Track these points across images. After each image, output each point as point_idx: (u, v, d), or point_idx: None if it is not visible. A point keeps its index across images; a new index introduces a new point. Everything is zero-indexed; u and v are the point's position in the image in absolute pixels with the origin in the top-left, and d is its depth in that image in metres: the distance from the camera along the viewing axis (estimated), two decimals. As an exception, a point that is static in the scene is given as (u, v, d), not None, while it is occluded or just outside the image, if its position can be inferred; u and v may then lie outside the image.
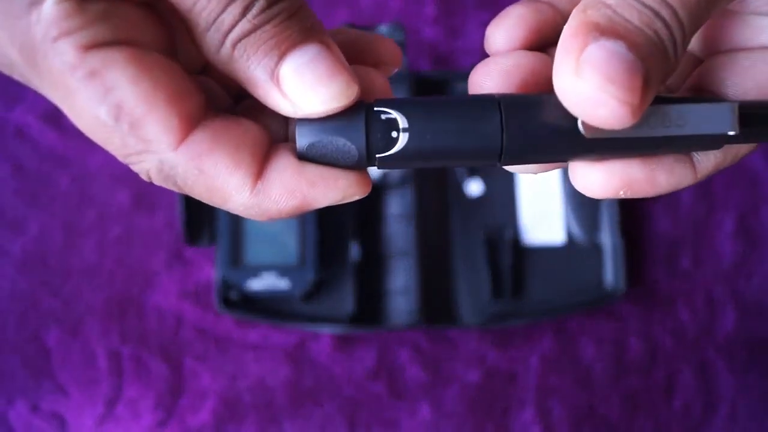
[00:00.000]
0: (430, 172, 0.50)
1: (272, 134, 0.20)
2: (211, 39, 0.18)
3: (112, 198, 0.50)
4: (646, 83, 0.17)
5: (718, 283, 0.50)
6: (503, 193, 0.50)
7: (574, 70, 0.17)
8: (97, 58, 0.18)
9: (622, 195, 0.21)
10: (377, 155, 0.19)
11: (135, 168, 0.19)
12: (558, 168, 0.22)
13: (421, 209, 0.49)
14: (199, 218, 0.48)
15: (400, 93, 0.49)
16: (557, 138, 0.19)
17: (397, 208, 0.49)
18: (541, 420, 0.48)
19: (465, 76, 0.55)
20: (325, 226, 0.48)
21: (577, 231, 0.49)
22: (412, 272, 0.48)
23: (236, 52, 0.18)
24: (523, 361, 0.48)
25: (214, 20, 0.18)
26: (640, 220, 0.51)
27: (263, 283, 0.46)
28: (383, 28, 0.47)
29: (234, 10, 0.18)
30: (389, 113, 0.19)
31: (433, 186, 0.50)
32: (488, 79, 0.21)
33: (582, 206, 0.49)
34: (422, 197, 0.49)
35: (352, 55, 0.21)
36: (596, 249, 0.49)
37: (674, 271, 0.50)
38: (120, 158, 0.19)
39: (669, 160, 0.21)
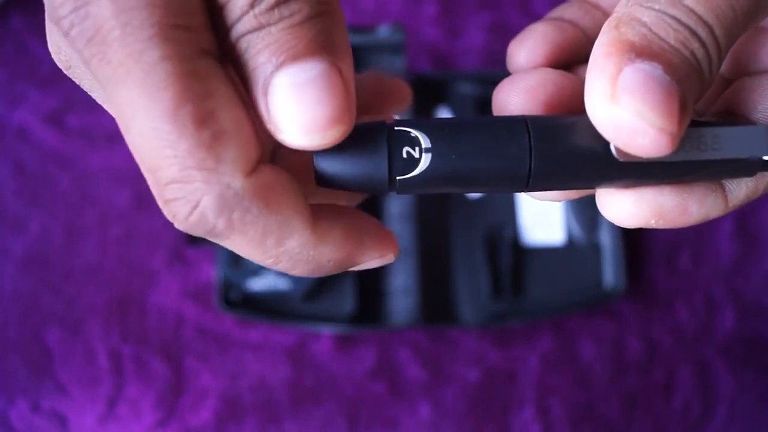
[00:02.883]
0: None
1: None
2: (221, 23, 0.17)
3: (113, 198, 0.50)
4: (683, 108, 0.17)
5: (718, 283, 0.50)
6: (503, 193, 0.50)
7: (610, 96, 0.17)
8: (206, 64, 0.17)
9: (653, 224, 0.20)
10: (398, 177, 0.18)
11: (177, 200, 0.17)
12: (584, 195, 0.22)
13: (421, 209, 0.49)
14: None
15: (401, 93, 0.49)
16: (588, 162, 0.18)
17: (397, 208, 0.49)
18: (540, 419, 0.48)
19: (465, 77, 0.55)
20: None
21: (576, 231, 0.49)
22: (412, 272, 0.48)
23: (239, 46, 0.17)
24: (523, 360, 0.49)
25: (226, 3, 0.17)
26: (640, 220, 0.51)
27: (264, 282, 0.46)
28: (383, 29, 0.47)
29: (242, 0, 0.16)
30: (410, 132, 0.18)
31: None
32: (514, 96, 0.20)
33: (582, 206, 0.49)
34: (422, 197, 0.49)
35: (367, 97, 0.20)
36: (596, 249, 0.49)
37: (673, 270, 0.50)
38: (174, 171, 0.17)
39: (701, 189, 0.20)
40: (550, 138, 0.18)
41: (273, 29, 0.16)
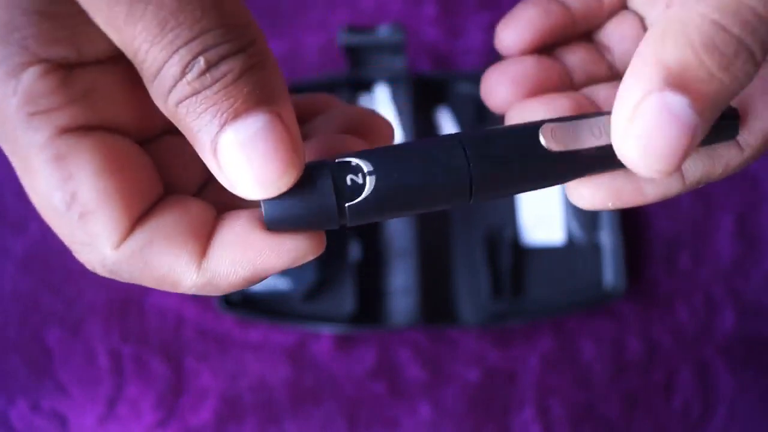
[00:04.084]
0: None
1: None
2: (155, 94, 0.17)
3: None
4: (693, 143, 0.17)
5: (718, 283, 0.50)
6: (503, 193, 0.50)
7: (629, 117, 0.17)
8: (67, 144, 0.17)
9: (611, 206, 0.21)
10: (346, 204, 0.18)
11: (80, 258, 0.19)
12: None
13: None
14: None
15: (401, 94, 0.49)
16: (524, 161, 0.19)
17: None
18: (540, 419, 0.48)
19: (465, 77, 0.55)
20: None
21: (576, 231, 0.49)
22: (412, 272, 0.48)
23: (179, 112, 0.17)
24: (523, 360, 0.49)
25: (155, 76, 0.17)
26: (640, 220, 0.51)
27: (264, 282, 0.46)
28: (383, 29, 0.47)
29: (172, 69, 0.16)
30: (351, 162, 0.18)
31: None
32: (500, 86, 0.21)
33: (581, 206, 0.49)
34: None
35: (346, 128, 0.21)
36: (596, 249, 0.49)
37: (673, 270, 0.50)
38: (67, 244, 0.19)
39: None
40: (484, 146, 0.19)
41: (209, 92, 0.16)
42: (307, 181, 0.18)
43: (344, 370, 0.48)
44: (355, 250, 0.48)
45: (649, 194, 0.21)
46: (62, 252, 0.49)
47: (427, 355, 0.48)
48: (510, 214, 0.50)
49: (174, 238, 0.18)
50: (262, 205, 0.18)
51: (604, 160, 0.19)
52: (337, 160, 0.18)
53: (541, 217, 0.50)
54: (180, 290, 0.19)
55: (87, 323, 0.48)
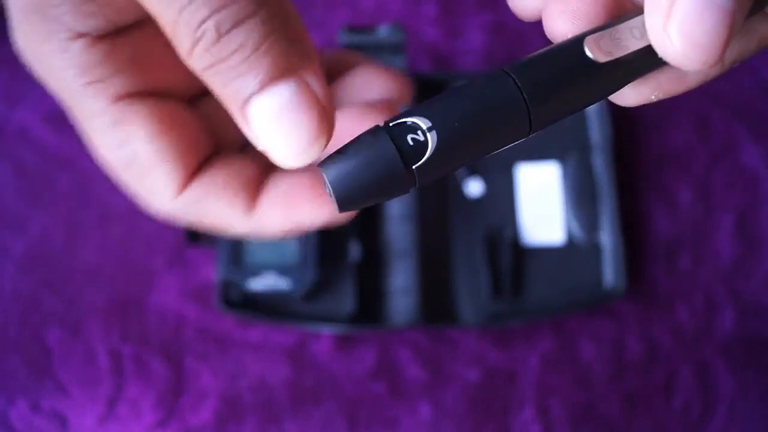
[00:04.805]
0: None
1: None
2: (183, 59, 0.17)
3: (113, 198, 0.50)
4: (734, 25, 0.16)
5: (718, 283, 0.50)
6: (503, 193, 0.50)
7: (666, 12, 0.16)
8: (122, 109, 0.19)
9: (654, 99, 0.20)
10: (414, 166, 0.18)
11: (143, 203, 0.21)
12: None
13: (421, 209, 0.49)
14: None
15: (401, 93, 0.49)
16: (575, 77, 0.18)
17: (397, 208, 0.49)
18: (540, 419, 0.48)
19: (465, 77, 0.55)
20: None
21: (576, 231, 0.49)
22: (412, 272, 0.48)
23: (207, 79, 0.17)
24: (523, 360, 0.49)
25: (174, 41, 0.17)
26: (640, 220, 0.51)
27: (264, 282, 0.46)
28: (383, 29, 0.47)
29: (188, 34, 0.16)
30: (407, 122, 0.18)
31: (433, 186, 0.50)
32: (560, 21, 0.20)
33: (582, 206, 0.49)
34: (422, 197, 0.49)
35: (366, 88, 0.21)
36: (596, 249, 0.49)
37: (673, 270, 0.50)
38: (133, 194, 0.21)
39: None
40: (532, 72, 0.18)
41: (232, 62, 0.16)
42: (368, 151, 0.17)
43: (344, 370, 0.48)
44: (355, 250, 0.48)
45: (691, 81, 0.20)
46: (62, 252, 0.49)
47: (427, 355, 0.48)
48: (510, 214, 0.50)
49: (226, 192, 0.20)
50: (329, 188, 0.17)
51: (649, 60, 0.18)
52: (391, 124, 0.18)
53: (541, 217, 0.50)
54: (230, 234, 0.21)
55: (87, 323, 0.48)
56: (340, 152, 0.18)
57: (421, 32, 0.53)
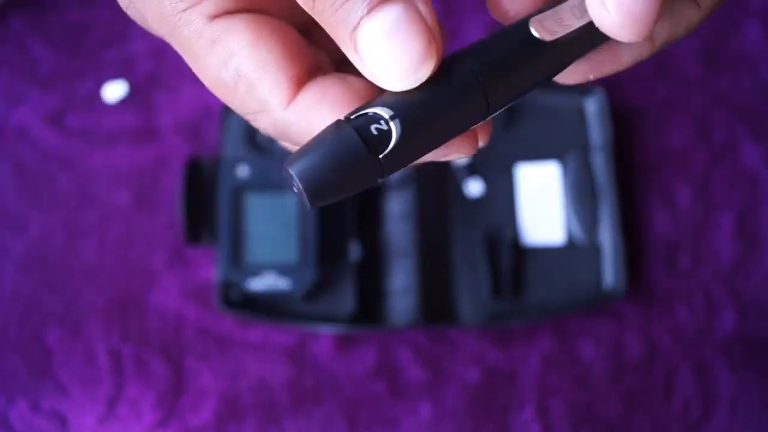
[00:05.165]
0: (431, 172, 0.50)
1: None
2: None
3: (113, 198, 0.50)
4: (660, 3, 0.18)
5: (717, 283, 0.50)
6: (503, 193, 0.50)
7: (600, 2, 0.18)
8: (219, 27, 0.19)
9: (592, 78, 0.22)
10: (380, 156, 0.18)
11: (255, 124, 0.21)
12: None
13: (421, 209, 0.49)
14: (200, 217, 0.48)
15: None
16: (525, 57, 0.19)
17: (397, 208, 0.49)
18: (540, 419, 0.48)
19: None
20: (326, 226, 0.48)
21: (577, 231, 0.49)
22: (412, 272, 0.48)
23: (317, 8, 0.18)
24: (523, 360, 0.49)
25: None
26: (640, 220, 0.51)
27: (264, 282, 0.46)
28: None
29: None
30: (368, 113, 0.18)
31: (433, 186, 0.50)
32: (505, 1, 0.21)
33: (582, 206, 0.49)
34: (422, 197, 0.49)
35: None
36: (596, 249, 0.49)
37: (673, 271, 0.50)
38: (242, 115, 0.21)
39: None
40: (485, 56, 0.19)
41: None
42: (333, 143, 0.18)
43: (344, 370, 0.48)
44: (355, 250, 0.48)
45: (625, 60, 0.22)
46: (62, 252, 0.49)
47: (427, 355, 0.48)
48: (510, 214, 0.50)
49: (339, 106, 0.19)
50: (297, 182, 0.18)
51: (591, 38, 0.20)
52: (352, 116, 0.18)
53: (541, 217, 0.50)
54: None
55: (87, 323, 0.48)
56: (305, 148, 0.18)
57: (421, 32, 0.53)
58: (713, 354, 0.49)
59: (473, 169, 0.51)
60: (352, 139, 0.18)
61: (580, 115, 0.51)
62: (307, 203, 0.18)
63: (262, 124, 0.20)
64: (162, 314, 0.49)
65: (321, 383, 0.48)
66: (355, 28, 0.17)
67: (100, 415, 0.47)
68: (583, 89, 0.51)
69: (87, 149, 0.51)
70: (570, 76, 0.22)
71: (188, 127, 0.52)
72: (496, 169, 0.51)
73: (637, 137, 0.52)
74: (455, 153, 0.21)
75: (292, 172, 0.18)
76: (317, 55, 0.21)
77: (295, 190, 0.18)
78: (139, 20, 0.21)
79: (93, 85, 0.52)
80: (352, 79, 0.20)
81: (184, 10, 0.19)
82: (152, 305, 0.49)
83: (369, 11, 0.17)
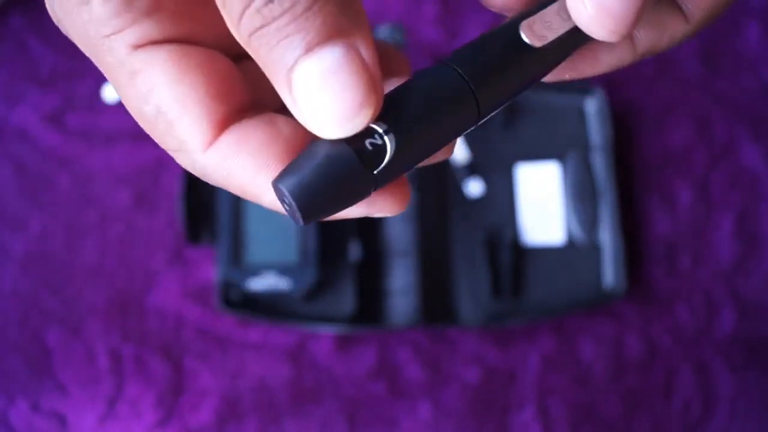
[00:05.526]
0: (431, 172, 0.50)
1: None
2: (228, 21, 0.17)
3: (113, 198, 0.50)
4: (641, 6, 0.17)
5: (717, 283, 0.50)
6: (503, 193, 0.50)
7: None
8: (142, 58, 0.18)
9: (568, 77, 0.21)
10: (375, 171, 0.17)
11: (177, 161, 0.20)
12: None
13: (421, 209, 0.49)
14: (200, 217, 0.48)
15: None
16: (514, 61, 0.19)
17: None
18: (540, 419, 0.48)
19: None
20: (326, 226, 0.48)
21: (576, 231, 0.49)
22: (412, 272, 0.48)
23: (252, 43, 0.17)
24: (523, 360, 0.49)
25: (231, 7, 0.16)
26: (640, 220, 0.51)
27: (264, 282, 0.46)
28: (383, 29, 0.47)
29: (240, 1, 0.16)
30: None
31: (433, 186, 0.50)
32: None
33: (582, 206, 0.49)
34: (422, 197, 0.49)
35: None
36: (596, 249, 0.49)
37: (673, 270, 0.50)
38: (165, 149, 0.20)
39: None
40: (476, 62, 0.19)
41: (280, 23, 0.16)
42: (329, 160, 0.17)
43: (344, 370, 0.48)
44: (355, 250, 0.48)
45: (604, 63, 0.22)
46: (62, 252, 0.49)
47: (427, 355, 0.48)
48: (510, 214, 0.50)
49: (260, 154, 0.18)
50: (289, 198, 0.17)
51: (575, 40, 0.20)
52: None
53: (541, 217, 0.50)
54: (262, 204, 0.19)
55: (87, 323, 0.48)
56: (297, 162, 0.17)
57: (421, 32, 0.53)
58: (713, 354, 0.49)
59: (473, 169, 0.51)
60: (348, 156, 0.17)
61: (580, 115, 0.51)
62: (300, 220, 0.17)
63: (182, 162, 0.19)
64: (162, 314, 0.49)
65: (321, 383, 0.48)
66: (290, 69, 0.16)
67: (100, 415, 0.47)
68: (583, 89, 0.51)
69: (87, 149, 0.51)
70: (548, 76, 0.21)
71: (188, 127, 0.52)
72: (496, 169, 0.51)
73: (637, 137, 0.52)
74: (439, 156, 0.20)
75: (283, 188, 0.17)
76: (249, 93, 0.19)
77: (287, 207, 0.18)
78: (70, 37, 0.20)
79: (93, 85, 0.52)
80: (282, 122, 0.19)
81: (107, 36, 0.18)
82: (152, 305, 0.49)
83: (307, 51, 0.16)
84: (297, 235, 0.47)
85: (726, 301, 0.50)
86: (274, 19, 0.16)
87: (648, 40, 0.22)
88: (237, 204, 0.47)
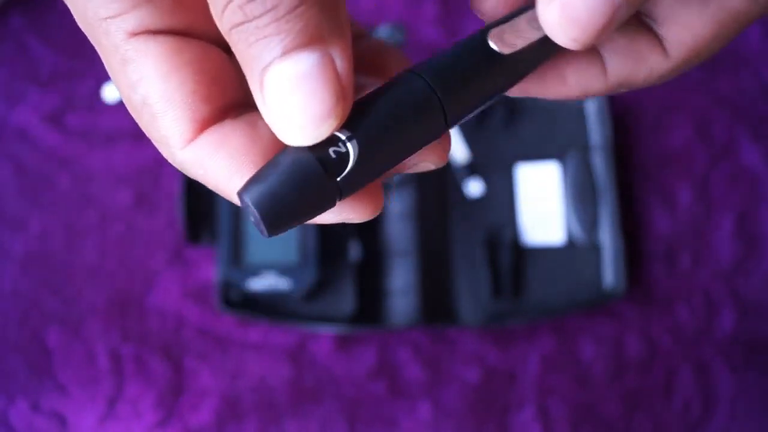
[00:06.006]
0: (431, 172, 0.50)
1: None
2: (213, 12, 0.17)
3: (113, 198, 0.50)
4: (615, 13, 0.17)
5: (717, 283, 0.50)
6: (503, 193, 0.50)
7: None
8: (136, 47, 0.18)
9: (534, 94, 0.21)
10: (338, 179, 0.17)
11: (159, 151, 0.20)
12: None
13: (421, 209, 0.49)
14: (200, 217, 0.48)
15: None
16: (483, 70, 0.19)
17: (397, 207, 0.49)
18: (540, 419, 0.48)
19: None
20: (326, 226, 0.48)
21: (576, 231, 0.49)
22: (412, 272, 0.48)
23: (232, 37, 0.17)
24: (523, 360, 0.49)
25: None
26: (640, 220, 0.51)
27: (264, 282, 0.46)
28: (383, 29, 0.47)
29: None
30: None
31: (433, 186, 0.50)
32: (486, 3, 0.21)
33: (582, 206, 0.49)
34: (422, 197, 0.49)
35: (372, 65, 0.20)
36: (596, 249, 0.49)
37: (673, 270, 0.50)
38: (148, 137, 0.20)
39: (579, 60, 0.20)
40: (443, 70, 0.19)
41: (260, 22, 0.16)
42: (291, 169, 0.17)
43: (344, 370, 0.48)
44: (355, 250, 0.48)
45: (572, 85, 0.21)
46: (62, 252, 0.49)
47: (427, 355, 0.48)
48: (510, 214, 0.50)
49: (235, 158, 0.18)
50: (254, 212, 0.17)
51: (544, 51, 0.19)
52: None
53: (541, 217, 0.50)
54: (236, 203, 0.19)
55: (87, 323, 0.48)
56: (260, 174, 0.17)
57: (421, 32, 0.53)
58: (713, 354, 0.49)
59: (473, 169, 0.51)
60: (311, 164, 0.17)
61: (580, 115, 0.51)
62: (266, 232, 0.17)
63: (163, 153, 0.19)
64: (162, 314, 0.49)
65: (321, 383, 0.48)
66: (264, 68, 0.16)
67: (100, 415, 0.47)
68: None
69: (87, 149, 0.51)
70: (514, 90, 0.21)
71: (188, 127, 0.52)
72: (496, 169, 0.51)
73: (637, 137, 0.52)
74: (422, 165, 0.20)
75: (246, 200, 0.17)
76: (239, 89, 0.19)
77: (252, 219, 0.17)
78: (75, 17, 0.20)
79: (93, 85, 0.52)
80: (263, 124, 0.19)
81: (105, 19, 0.18)
82: (152, 305, 0.49)
83: (284, 53, 0.16)
84: (297, 235, 0.47)
85: (726, 301, 0.50)
86: (255, 17, 0.16)
87: (621, 68, 0.21)
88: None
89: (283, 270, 0.46)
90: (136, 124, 0.20)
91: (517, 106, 0.51)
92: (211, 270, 0.49)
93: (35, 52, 0.53)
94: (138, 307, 0.49)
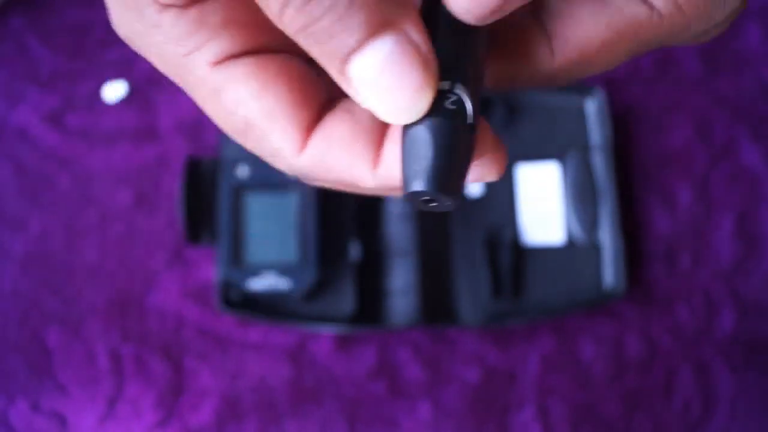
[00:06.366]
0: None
1: None
2: (277, 23, 0.17)
3: (113, 198, 0.50)
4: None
5: (718, 283, 0.50)
6: (503, 193, 0.50)
7: None
8: (223, 75, 0.18)
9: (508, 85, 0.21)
10: (468, 122, 0.18)
11: (274, 166, 0.20)
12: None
13: (421, 209, 0.49)
14: (200, 217, 0.48)
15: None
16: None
17: (397, 207, 0.49)
18: (540, 419, 0.48)
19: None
20: (326, 226, 0.48)
21: (577, 231, 0.49)
22: (412, 272, 0.48)
23: (300, 42, 0.17)
24: (523, 360, 0.49)
25: (267, 6, 0.16)
26: (640, 220, 0.51)
27: (264, 282, 0.46)
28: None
29: (274, 5, 0.16)
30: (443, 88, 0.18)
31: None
32: None
33: (582, 206, 0.49)
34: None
35: None
36: (596, 249, 0.49)
37: (673, 270, 0.50)
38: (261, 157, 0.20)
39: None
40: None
41: (324, 23, 0.16)
42: (434, 141, 0.17)
43: (344, 370, 0.48)
44: (355, 250, 0.48)
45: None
46: (62, 252, 0.49)
47: (427, 355, 0.48)
48: (510, 215, 0.50)
49: (349, 144, 0.19)
50: (434, 196, 0.17)
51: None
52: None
53: (541, 217, 0.50)
54: (364, 191, 0.20)
55: (87, 323, 0.48)
56: (409, 164, 0.17)
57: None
58: (713, 354, 0.49)
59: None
60: (444, 125, 0.17)
61: (580, 115, 0.51)
62: (451, 204, 0.17)
63: (279, 166, 0.20)
64: (162, 314, 0.49)
65: (321, 383, 0.48)
66: (344, 63, 0.16)
67: (100, 415, 0.47)
68: (582, 89, 0.51)
69: (87, 149, 0.51)
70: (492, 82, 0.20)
71: (188, 127, 0.52)
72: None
73: (637, 137, 0.52)
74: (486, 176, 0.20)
75: (417, 190, 0.17)
76: (325, 88, 0.20)
77: (431, 206, 0.18)
78: (146, 57, 0.20)
79: (93, 85, 0.52)
80: (358, 111, 0.19)
81: (186, 55, 0.18)
82: (152, 305, 0.49)
83: (360, 45, 0.16)
84: (297, 235, 0.47)
85: (726, 301, 0.50)
86: (317, 19, 0.16)
87: (505, 61, 0.20)
88: (237, 204, 0.47)
89: (283, 270, 0.46)
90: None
91: (516, 106, 0.51)
92: (211, 270, 0.49)
93: (35, 52, 0.53)
94: (138, 307, 0.49)
